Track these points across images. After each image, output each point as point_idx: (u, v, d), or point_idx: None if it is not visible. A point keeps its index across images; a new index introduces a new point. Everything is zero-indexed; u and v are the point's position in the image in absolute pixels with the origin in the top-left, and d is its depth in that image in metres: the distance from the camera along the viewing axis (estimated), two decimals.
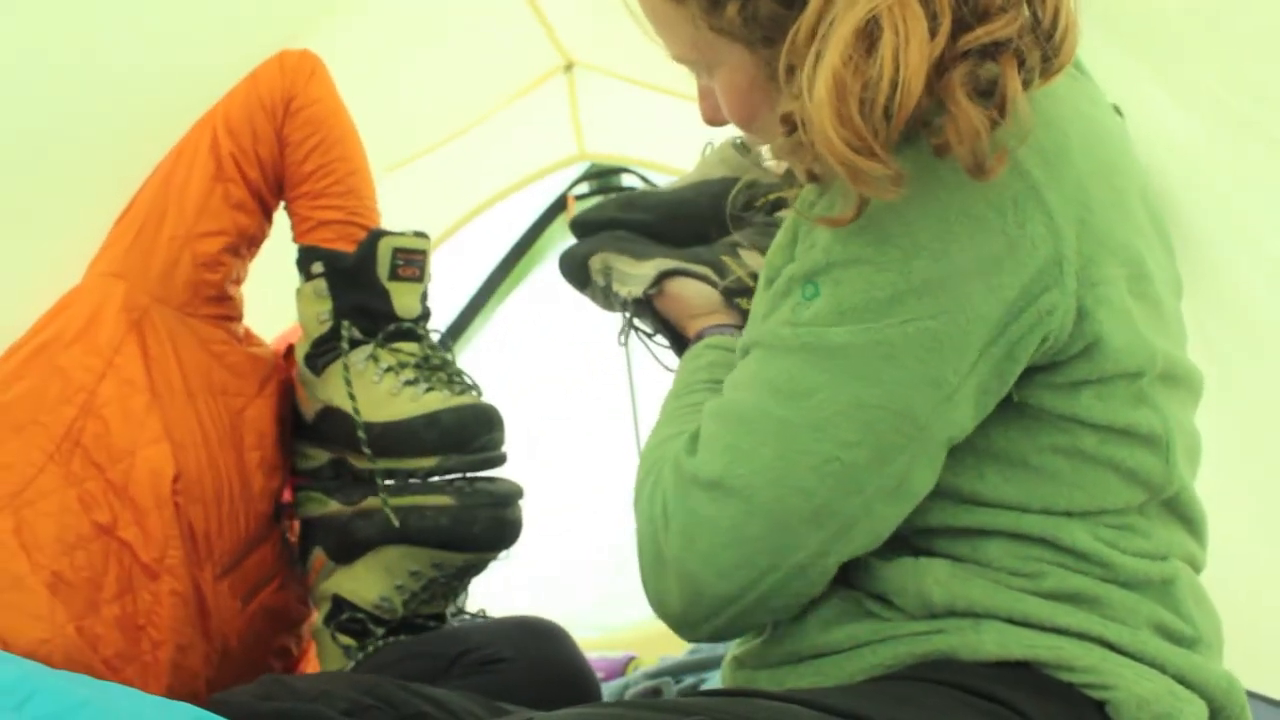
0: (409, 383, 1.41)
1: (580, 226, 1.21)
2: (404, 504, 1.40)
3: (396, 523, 1.38)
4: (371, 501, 1.41)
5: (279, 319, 1.86)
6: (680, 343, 1.10)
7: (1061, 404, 0.78)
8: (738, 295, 1.06)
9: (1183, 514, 0.85)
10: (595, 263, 1.14)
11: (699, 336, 1.04)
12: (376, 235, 1.44)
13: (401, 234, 1.45)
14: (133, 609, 1.26)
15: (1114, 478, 0.80)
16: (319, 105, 1.44)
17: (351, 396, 1.40)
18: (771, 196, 1.15)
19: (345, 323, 1.42)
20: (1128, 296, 0.78)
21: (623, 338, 1.15)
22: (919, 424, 0.75)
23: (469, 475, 1.43)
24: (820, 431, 0.75)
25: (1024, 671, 0.77)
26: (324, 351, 1.45)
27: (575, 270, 1.16)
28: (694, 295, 1.08)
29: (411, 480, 1.41)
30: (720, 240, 1.13)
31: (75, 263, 1.36)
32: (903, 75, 0.66)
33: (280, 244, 1.51)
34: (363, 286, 1.43)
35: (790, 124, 0.73)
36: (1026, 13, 0.71)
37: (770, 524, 0.77)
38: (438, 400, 1.40)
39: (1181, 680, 0.79)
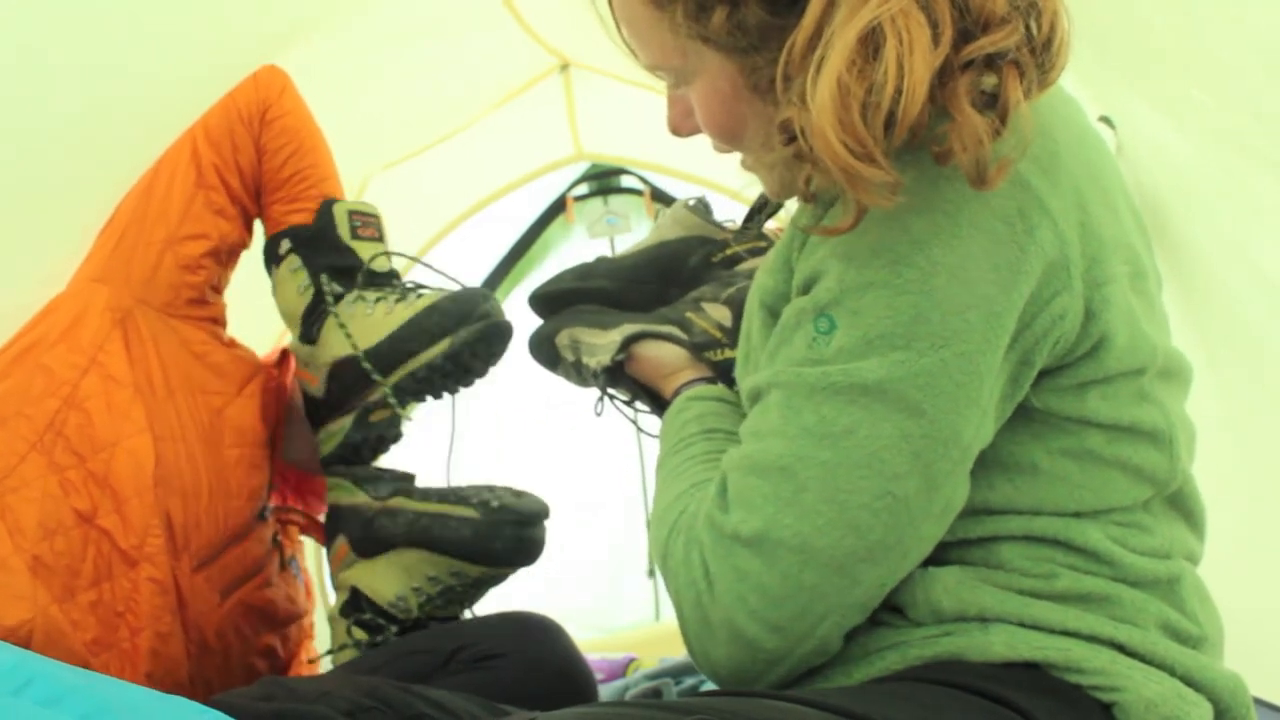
0: (399, 300, 1.44)
1: (540, 300, 1.21)
2: (430, 510, 1.42)
3: (380, 504, 1.40)
4: (398, 501, 1.43)
5: (270, 332, 1.87)
6: (660, 403, 1.10)
7: (1069, 406, 0.79)
8: (706, 349, 1.06)
9: (1185, 508, 0.86)
10: (562, 339, 1.14)
11: (676, 394, 1.03)
12: (329, 203, 1.49)
13: (351, 201, 1.51)
14: (110, 596, 1.27)
15: (1121, 476, 0.81)
16: (291, 116, 1.49)
17: (343, 326, 1.44)
18: (729, 251, 1.16)
19: (323, 277, 1.46)
20: (1130, 294, 0.78)
21: (599, 407, 1.15)
22: (964, 446, 0.75)
23: (500, 488, 1.45)
24: (868, 468, 0.74)
25: (1031, 673, 0.77)
26: (315, 319, 1.48)
27: (544, 350, 1.16)
28: (662, 355, 1.08)
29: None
30: (683, 298, 1.13)
31: (62, 269, 1.37)
32: (907, 83, 0.66)
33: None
34: (329, 248, 1.47)
35: (789, 131, 0.73)
36: (1022, 26, 0.71)
37: (827, 569, 0.75)
38: (429, 298, 1.44)
39: (1189, 681, 0.79)
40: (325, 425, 1.50)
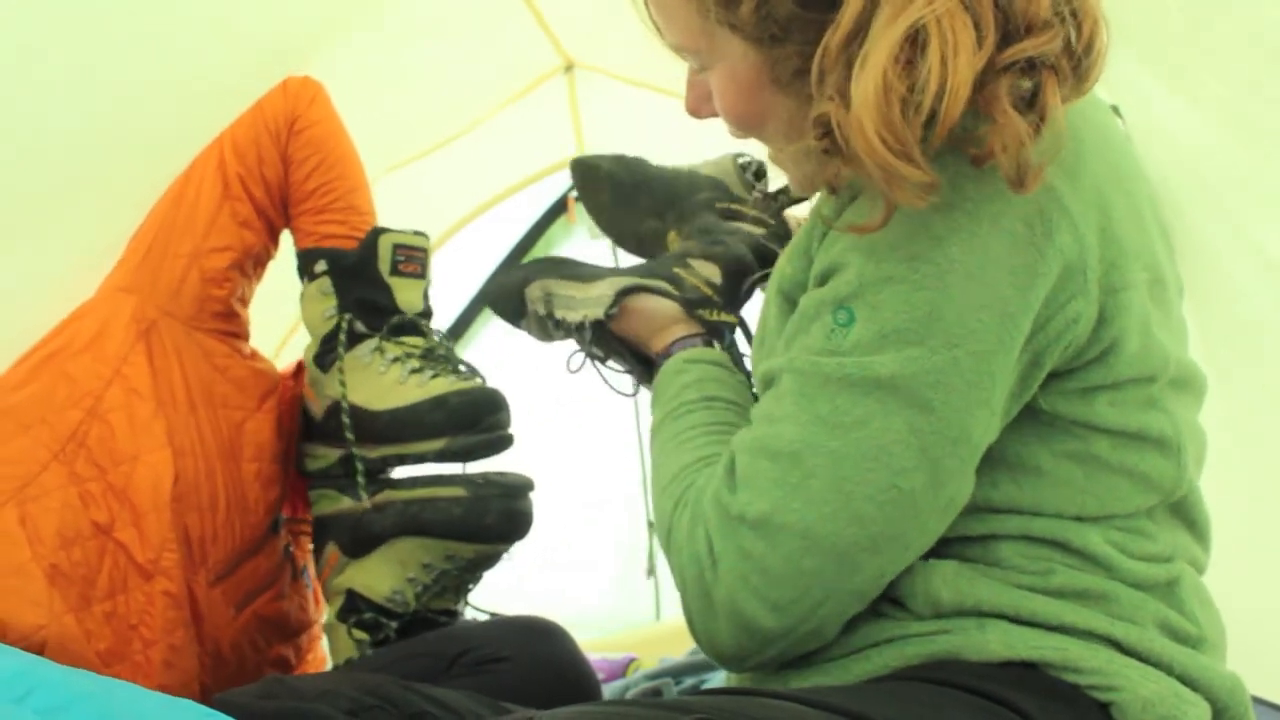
0: (415, 371, 1.44)
1: (580, 167, 1.21)
2: (417, 496, 1.42)
3: (372, 509, 1.41)
4: (383, 495, 1.43)
5: (278, 337, 1.87)
6: (642, 362, 1.09)
7: (1077, 410, 0.79)
8: (699, 306, 1.05)
9: (1188, 517, 0.86)
10: (534, 291, 1.12)
11: (667, 352, 1.02)
12: (377, 232, 1.48)
13: (401, 231, 1.49)
14: (125, 608, 1.28)
15: (1125, 482, 0.81)
16: (320, 127, 1.49)
17: (342, 384, 1.43)
18: (733, 206, 1.15)
19: (346, 316, 1.45)
20: (1148, 302, 0.78)
21: (572, 363, 1.13)
22: (973, 444, 0.76)
23: (482, 471, 1.45)
24: (876, 461, 0.75)
25: (1029, 672, 0.77)
26: (331, 348, 1.47)
27: (509, 300, 1.15)
28: (655, 308, 1.06)
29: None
30: (669, 254, 1.13)
31: (87, 275, 1.38)
32: (951, 83, 0.67)
33: (290, 271, 1.54)
34: (365, 282, 1.47)
35: (823, 126, 0.73)
36: (1063, 32, 0.71)
37: (828, 556, 0.76)
38: (444, 385, 1.43)
39: (1186, 680, 0.79)
40: (314, 444, 1.51)
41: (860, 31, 0.70)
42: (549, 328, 1.13)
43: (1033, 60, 0.69)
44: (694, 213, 1.17)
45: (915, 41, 0.67)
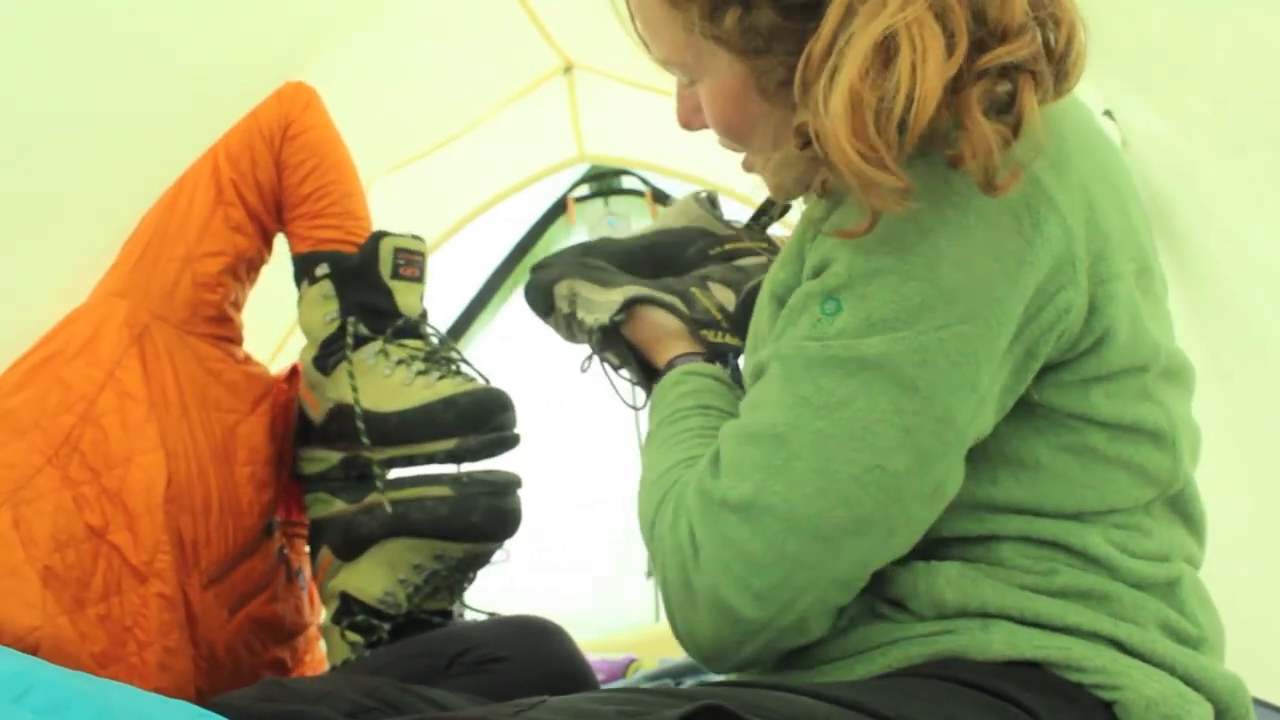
0: (421, 373, 1.44)
1: (540, 270, 1.21)
2: (403, 496, 1.42)
3: (390, 509, 1.41)
4: (374, 497, 1.43)
5: (274, 342, 1.87)
6: (648, 373, 1.09)
7: (1073, 402, 0.79)
8: (704, 327, 1.05)
9: (1185, 511, 0.86)
10: (562, 289, 1.13)
11: (670, 365, 1.03)
12: (378, 235, 1.48)
13: (401, 235, 1.49)
14: (120, 610, 1.28)
15: (1124, 475, 0.81)
16: (314, 131, 1.49)
17: (354, 389, 1.43)
18: (728, 247, 1.15)
19: (351, 319, 1.45)
20: (1135, 291, 0.79)
21: (585, 364, 1.14)
22: (958, 429, 0.75)
23: (468, 469, 1.46)
24: (860, 440, 0.75)
25: (1032, 671, 0.77)
26: (333, 351, 1.48)
27: (540, 296, 1.16)
28: (662, 323, 1.07)
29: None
30: (694, 273, 1.13)
31: (87, 276, 1.38)
32: (919, 91, 0.67)
33: (285, 275, 1.54)
34: (367, 285, 1.47)
35: (804, 136, 0.73)
36: (1039, 37, 0.72)
37: (811, 539, 0.76)
38: (451, 386, 1.43)
39: (1189, 681, 0.79)
40: (311, 448, 1.51)
41: (836, 41, 0.70)
42: (572, 327, 1.13)
43: (1008, 66, 0.70)
44: (690, 270, 1.16)
45: (886, 50, 0.68)
